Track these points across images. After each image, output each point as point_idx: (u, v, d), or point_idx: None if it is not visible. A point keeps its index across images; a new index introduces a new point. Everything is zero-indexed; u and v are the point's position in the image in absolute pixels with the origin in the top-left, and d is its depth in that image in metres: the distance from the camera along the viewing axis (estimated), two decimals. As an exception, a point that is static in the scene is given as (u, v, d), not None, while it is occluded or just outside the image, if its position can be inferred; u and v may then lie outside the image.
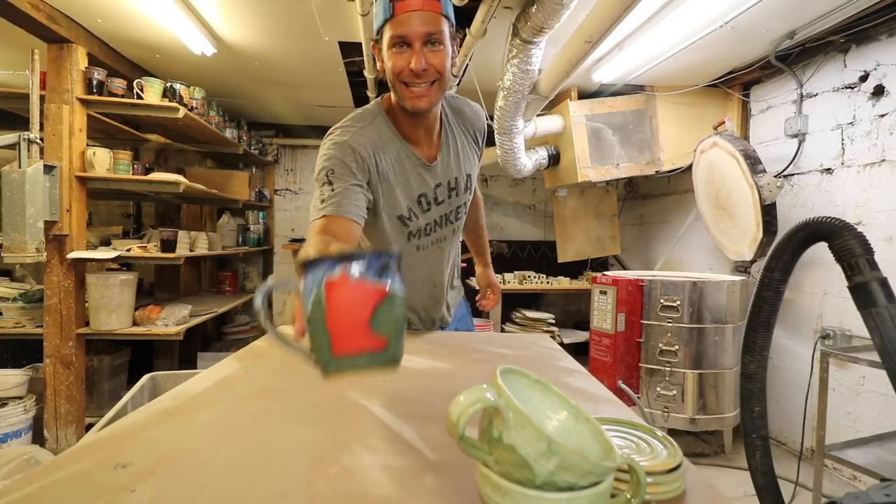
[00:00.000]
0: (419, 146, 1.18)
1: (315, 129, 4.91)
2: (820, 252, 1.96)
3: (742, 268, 3.13)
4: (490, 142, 3.51)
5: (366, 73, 2.99)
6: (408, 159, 1.16)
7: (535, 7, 1.91)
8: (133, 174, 2.80)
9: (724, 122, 2.98)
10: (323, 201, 1.02)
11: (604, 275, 3.10)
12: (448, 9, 1.04)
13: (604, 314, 3.01)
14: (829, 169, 2.70)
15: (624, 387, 2.84)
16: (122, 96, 2.72)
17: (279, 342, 0.51)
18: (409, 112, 1.10)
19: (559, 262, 4.35)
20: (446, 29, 1.04)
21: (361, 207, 1.06)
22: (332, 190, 1.03)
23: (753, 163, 2.76)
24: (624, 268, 4.63)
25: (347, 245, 0.94)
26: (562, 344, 2.07)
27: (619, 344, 2.89)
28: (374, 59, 1.13)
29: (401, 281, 0.50)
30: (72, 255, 2.56)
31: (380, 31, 1.05)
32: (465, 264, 5.05)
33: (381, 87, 3.36)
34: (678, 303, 2.76)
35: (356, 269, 0.47)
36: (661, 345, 2.80)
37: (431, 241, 1.27)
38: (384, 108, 1.17)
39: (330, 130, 1.13)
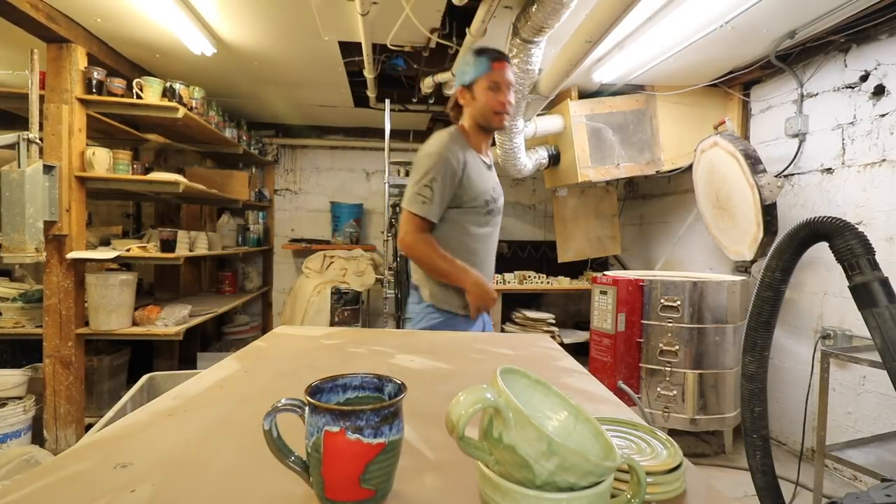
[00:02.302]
0: (482, 155, 1.75)
1: (315, 129, 4.90)
2: (820, 252, 1.96)
3: (742, 268, 3.13)
4: (490, 142, 3.44)
5: (366, 73, 2.98)
6: (480, 164, 1.72)
7: (535, 7, 1.91)
8: (132, 174, 2.80)
9: (724, 122, 2.98)
10: (424, 202, 1.58)
11: (604, 275, 3.10)
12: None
13: (604, 314, 3.01)
14: (829, 169, 2.70)
15: (624, 387, 2.84)
16: (122, 96, 2.72)
17: (288, 467, 0.54)
18: (489, 131, 1.73)
19: (559, 262, 4.34)
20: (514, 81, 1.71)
21: (442, 212, 1.63)
22: (432, 192, 1.58)
23: (754, 162, 2.76)
24: (624, 268, 4.63)
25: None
26: (562, 344, 2.07)
27: (619, 344, 2.89)
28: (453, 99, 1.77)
29: (400, 424, 0.53)
30: (71, 255, 2.56)
31: (473, 80, 1.65)
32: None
33: (381, 87, 3.37)
34: (678, 303, 2.76)
35: (353, 429, 0.49)
36: (661, 345, 2.80)
37: (493, 224, 1.76)
38: (460, 131, 1.72)
39: (435, 143, 1.64)
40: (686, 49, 2.69)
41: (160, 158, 3.95)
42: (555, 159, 3.66)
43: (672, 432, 2.72)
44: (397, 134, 4.66)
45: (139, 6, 2.35)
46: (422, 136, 4.92)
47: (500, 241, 1.79)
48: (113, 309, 2.65)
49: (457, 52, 2.64)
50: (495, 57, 1.62)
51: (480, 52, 1.64)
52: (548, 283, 4.23)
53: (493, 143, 1.85)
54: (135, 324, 2.76)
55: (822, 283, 2.70)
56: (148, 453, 0.63)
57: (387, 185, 3.60)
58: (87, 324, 2.70)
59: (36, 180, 2.30)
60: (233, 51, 2.94)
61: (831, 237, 0.72)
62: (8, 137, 2.26)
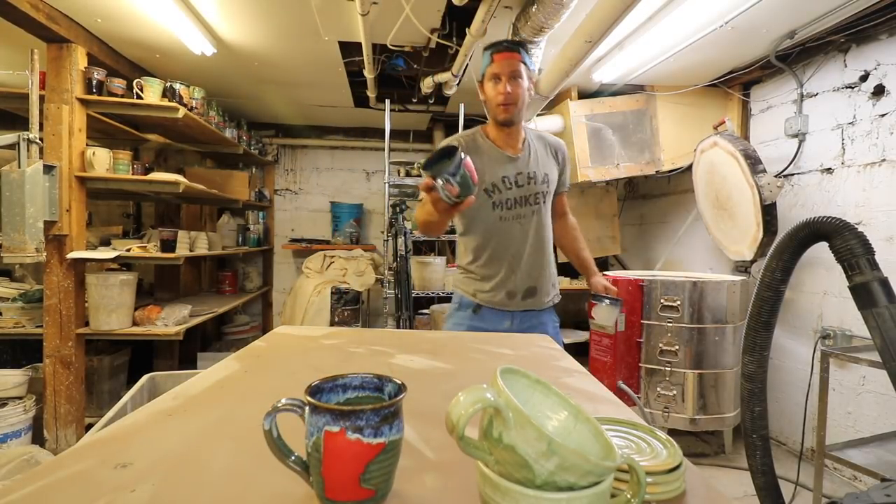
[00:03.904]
0: (504, 148, 1.71)
1: (315, 129, 4.90)
2: (820, 252, 1.96)
3: (742, 268, 3.13)
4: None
5: (366, 73, 2.98)
6: (493, 151, 1.70)
7: (536, 7, 1.91)
8: (133, 174, 2.80)
9: (724, 122, 2.98)
10: None
11: (604, 275, 3.09)
12: (525, 58, 1.63)
13: (604, 314, 3.00)
14: (829, 169, 2.70)
15: (624, 387, 2.84)
16: (122, 96, 2.72)
17: (288, 466, 0.54)
18: (500, 123, 1.68)
19: (559, 262, 4.33)
20: (524, 70, 1.62)
21: None
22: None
23: (753, 162, 2.76)
24: (624, 268, 4.63)
25: None
26: (562, 344, 2.07)
27: (619, 344, 2.89)
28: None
29: (400, 424, 0.53)
30: (71, 255, 2.56)
31: (482, 76, 1.67)
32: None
33: (381, 87, 3.37)
34: (678, 303, 2.76)
35: (353, 429, 0.49)
36: (661, 345, 2.80)
37: (512, 215, 1.71)
38: (480, 129, 1.77)
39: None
40: (686, 49, 2.69)
41: (160, 158, 3.95)
42: (555, 159, 3.66)
43: (672, 432, 2.72)
44: (397, 134, 4.66)
45: (139, 6, 2.35)
46: (422, 136, 4.92)
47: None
48: (113, 309, 2.65)
49: (457, 52, 2.64)
50: (497, 49, 1.62)
51: (486, 47, 1.66)
52: (548, 283, 4.22)
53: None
54: (135, 324, 2.76)
55: (821, 283, 2.70)
56: (148, 453, 0.63)
57: (387, 185, 3.60)
58: (87, 324, 2.70)
59: (36, 180, 2.30)
60: (233, 51, 2.94)
61: (831, 237, 0.72)
62: (8, 137, 2.26)
